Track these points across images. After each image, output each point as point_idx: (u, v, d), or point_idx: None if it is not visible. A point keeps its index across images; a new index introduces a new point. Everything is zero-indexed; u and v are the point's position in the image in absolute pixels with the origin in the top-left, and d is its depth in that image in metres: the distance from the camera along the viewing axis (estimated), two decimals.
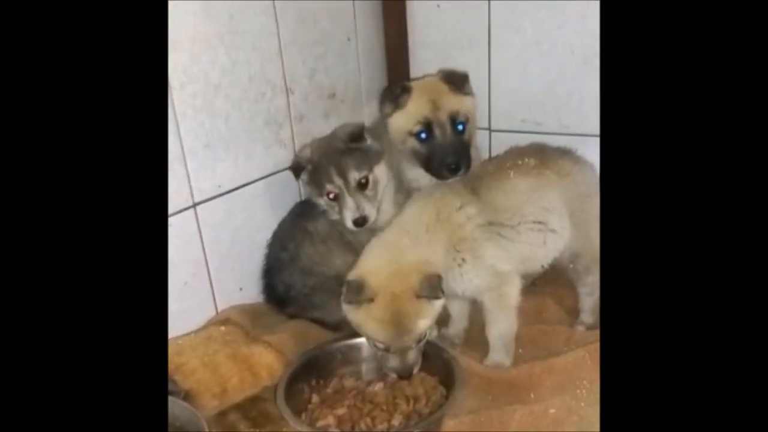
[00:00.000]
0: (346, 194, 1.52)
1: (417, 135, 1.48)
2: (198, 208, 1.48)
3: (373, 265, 1.29)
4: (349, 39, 1.85)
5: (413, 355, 1.26)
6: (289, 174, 1.64)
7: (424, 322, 1.23)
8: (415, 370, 1.27)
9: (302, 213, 1.67)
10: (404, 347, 1.24)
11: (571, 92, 1.87)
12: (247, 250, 1.63)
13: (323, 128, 1.73)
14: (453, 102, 1.49)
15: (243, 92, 1.53)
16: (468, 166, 1.45)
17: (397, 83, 1.60)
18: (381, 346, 1.25)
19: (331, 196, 1.54)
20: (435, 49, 1.99)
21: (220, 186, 1.52)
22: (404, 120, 1.50)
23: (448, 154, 1.44)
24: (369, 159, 1.55)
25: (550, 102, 1.92)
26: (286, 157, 1.69)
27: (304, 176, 1.58)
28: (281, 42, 1.61)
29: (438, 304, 1.25)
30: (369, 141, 1.57)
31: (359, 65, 1.91)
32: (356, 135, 1.56)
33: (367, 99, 1.96)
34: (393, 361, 1.25)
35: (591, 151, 1.83)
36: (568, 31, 1.81)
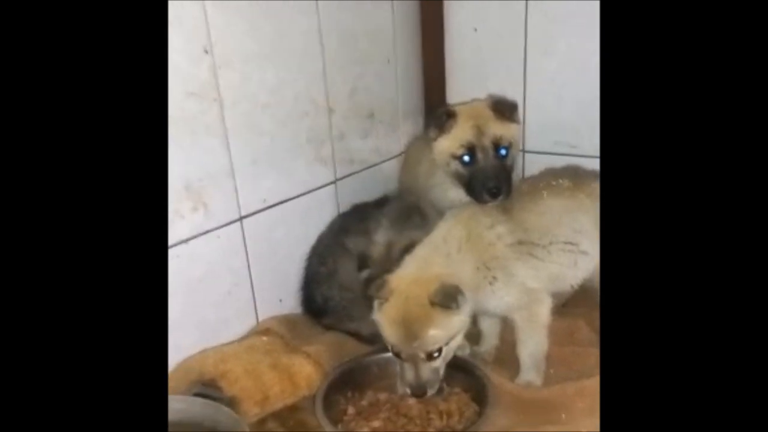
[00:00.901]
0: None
1: (460, 158, 1.54)
2: (244, 221, 1.53)
3: (401, 272, 1.33)
4: (388, 60, 1.90)
5: (426, 371, 1.24)
6: (328, 190, 1.70)
7: (434, 332, 1.22)
8: (430, 392, 1.25)
9: (341, 229, 1.72)
10: (414, 356, 1.23)
11: None
12: (286, 262, 1.68)
13: (361, 147, 1.79)
14: (497, 128, 1.54)
15: (288, 111, 1.59)
16: (509, 192, 1.49)
17: (442, 108, 1.63)
18: (393, 348, 1.26)
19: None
20: (471, 71, 2.04)
21: (264, 200, 1.58)
22: (449, 143, 1.56)
23: (489, 179, 1.48)
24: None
25: (583, 125, 1.94)
26: (326, 174, 1.74)
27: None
28: (325, 62, 1.67)
29: (456, 320, 1.24)
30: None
31: (397, 86, 1.96)
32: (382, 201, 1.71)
33: (404, 119, 2.01)
34: (408, 374, 1.25)
35: None
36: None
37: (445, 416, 1.31)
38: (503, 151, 1.54)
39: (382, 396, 1.39)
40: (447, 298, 1.22)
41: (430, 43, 2.02)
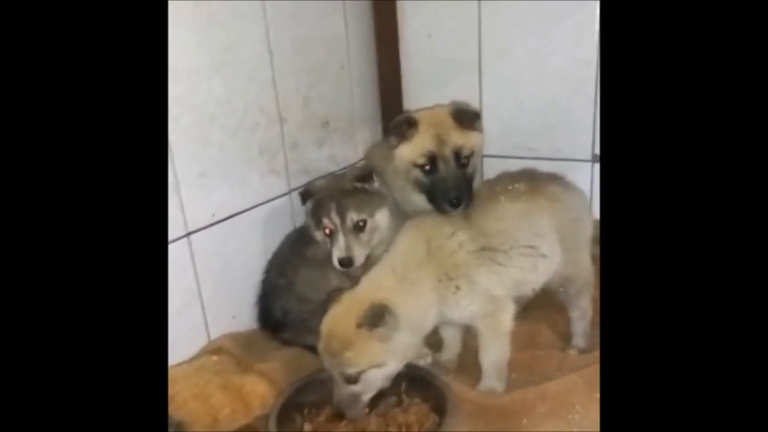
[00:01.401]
0: (340, 233, 1.55)
1: (422, 167, 1.52)
2: (192, 237, 1.49)
3: (355, 289, 1.32)
4: (342, 67, 1.88)
5: (344, 393, 1.24)
6: (283, 202, 1.66)
7: (350, 355, 1.20)
8: (348, 415, 1.25)
9: (299, 238, 1.69)
10: (336, 375, 1.23)
11: (563, 118, 1.91)
12: (240, 277, 1.64)
13: (316, 156, 1.76)
14: (458, 138, 1.52)
15: (238, 122, 1.56)
16: (469, 201, 1.48)
17: (403, 115, 1.62)
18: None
19: (327, 231, 1.57)
20: (427, 76, 2.03)
21: (213, 215, 1.54)
22: (409, 152, 1.54)
23: (450, 189, 1.47)
24: (371, 203, 1.58)
25: (542, 128, 1.95)
26: (279, 185, 1.71)
27: (308, 205, 1.61)
28: (275, 71, 1.64)
29: (377, 348, 1.21)
30: (376, 184, 1.61)
31: (352, 93, 1.94)
32: (364, 176, 1.61)
33: (360, 126, 1.99)
34: (335, 390, 1.25)
35: (583, 176, 1.86)
36: (558, 58, 1.85)
37: (403, 429, 1.28)
38: (464, 160, 1.52)
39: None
40: (373, 318, 1.20)
41: (384, 49, 2.01)
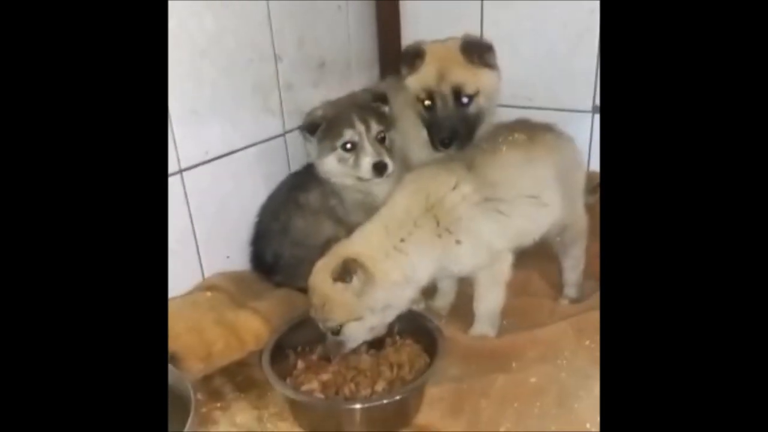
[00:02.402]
0: (366, 141, 1.51)
1: (422, 102, 1.48)
2: (184, 174, 1.46)
3: (346, 242, 1.31)
4: (339, 7, 1.82)
5: (330, 341, 1.26)
6: (278, 143, 1.63)
7: (328, 308, 1.22)
8: (333, 359, 1.28)
9: (295, 185, 1.66)
10: (326, 325, 1.25)
11: (563, 68, 1.87)
12: (234, 217, 1.62)
13: (312, 97, 1.72)
14: (460, 75, 1.47)
15: (230, 59, 1.51)
16: (464, 143, 1.44)
17: (413, 45, 1.56)
18: None
19: (348, 146, 1.52)
20: (427, 20, 1.97)
21: (207, 152, 1.51)
22: (414, 84, 1.51)
23: (443, 129, 1.44)
24: (386, 120, 1.56)
25: (541, 77, 1.91)
26: (274, 126, 1.68)
27: (318, 133, 1.54)
28: (270, 8, 1.59)
29: (352, 302, 1.21)
30: (387, 108, 1.59)
31: (349, 35, 1.88)
32: (381, 96, 1.58)
33: (357, 69, 1.94)
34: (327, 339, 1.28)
35: (584, 127, 1.84)
36: (560, 7, 1.80)
37: (395, 367, 1.30)
38: (465, 99, 1.47)
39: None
40: (342, 273, 1.20)
41: None
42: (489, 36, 1.90)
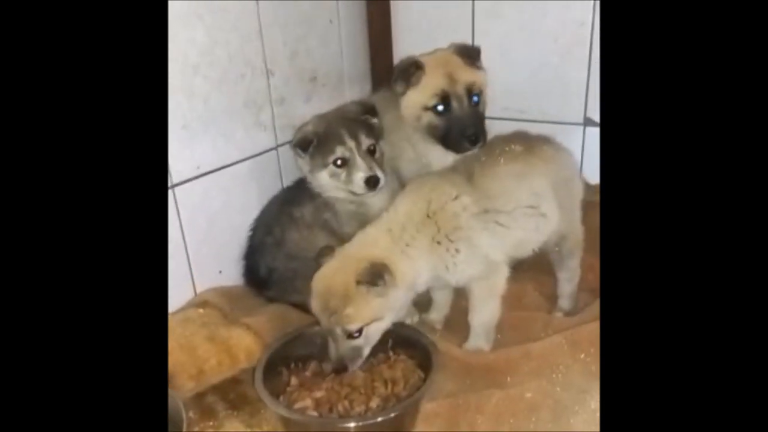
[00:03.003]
0: (357, 156, 1.52)
1: (434, 108, 1.49)
2: (176, 189, 1.45)
3: (348, 245, 1.30)
4: (331, 21, 1.83)
5: (344, 348, 1.23)
6: (270, 157, 1.62)
7: (351, 311, 1.19)
8: (351, 367, 1.24)
9: (288, 199, 1.66)
10: (332, 331, 1.22)
11: (554, 81, 1.88)
12: (226, 232, 1.61)
13: (304, 111, 1.72)
14: (468, 74, 1.50)
15: (222, 73, 1.51)
16: (485, 138, 1.47)
17: (408, 59, 1.57)
18: (317, 319, 1.25)
19: (339, 162, 1.53)
20: (418, 33, 1.98)
21: (198, 167, 1.50)
22: (419, 95, 1.51)
23: (467, 126, 1.46)
24: (375, 132, 1.57)
25: (532, 90, 1.92)
26: (266, 140, 1.67)
27: (310, 149, 1.54)
28: (261, 22, 1.59)
29: (377, 303, 1.21)
30: (376, 120, 1.60)
31: (341, 48, 1.89)
32: (370, 108, 1.59)
33: (350, 83, 1.94)
34: (330, 348, 1.24)
35: (575, 140, 1.85)
36: (551, 20, 1.82)
37: (389, 384, 1.28)
38: (476, 98, 1.50)
39: (327, 366, 1.35)
40: (373, 276, 1.19)
41: (375, 5, 1.95)
42: (481, 48, 1.92)
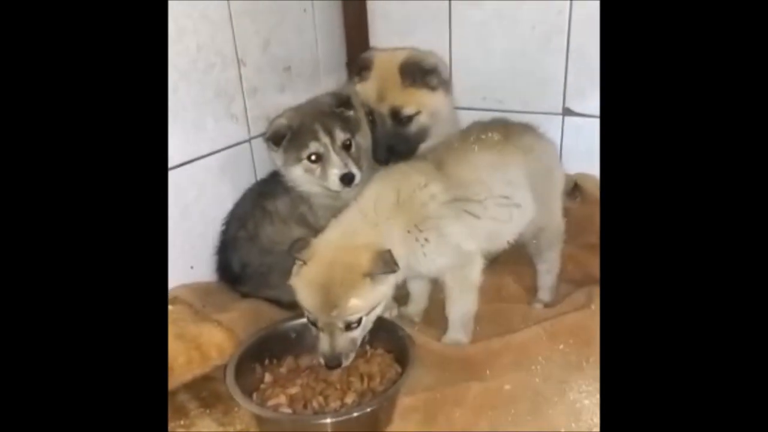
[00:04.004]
0: (332, 152, 1.49)
1: (366, 113, 1.50)
2: None
3: (326, 236, 1.26)
4: (305, 10, 1.79)
5: (342, 342, 1.18)
6: (243, 149, 1.58)
7: (356, 302, 1.15)
8: (345, 363, 1.19)
9: (262, 192, 1.62)
10: (331, 325, 1.17)
11: (533, 70, 1.86)
12: (197, 227, 1.57)
13: (278, 102, 1.67)
14: (398, 97, 1.47)
15: (191, 62, 1.46)
16: (402, 158, 1.44)
17: (363, 55, 1.56)
18: (309, 316, 1.20)
19: (313, 157, 1.50)
20: (395, 22, 1.95)
21: (168, 160, 1.45)
22: (361, 95, 1.52)
23: (380, 146, 1.46)
24: (351, 125, 1.54)
25: (511, 80, 1.90)
26: (238, 132, 1.63)
27: (284, 143, 1.51)
28: (231, 10, 1.55)
29: (379, 290, 1.18)
30: (352, 113, 1.57)
31: (316, 37, 1.85)
32: (344, 100, 1.56)
33: (325, 73, 1.91)
34: (323, 344, 1.18)
35: (553, 130, 1.83)
36: (528, 7, 1.80)
37: (366, 379, 1.26)
38: (405, 120, 1.48)
39: (303, 362, 1.33)
40: (385, 264, 1.15)
41: None
42: (458, 36, 1.90)
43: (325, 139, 1.49)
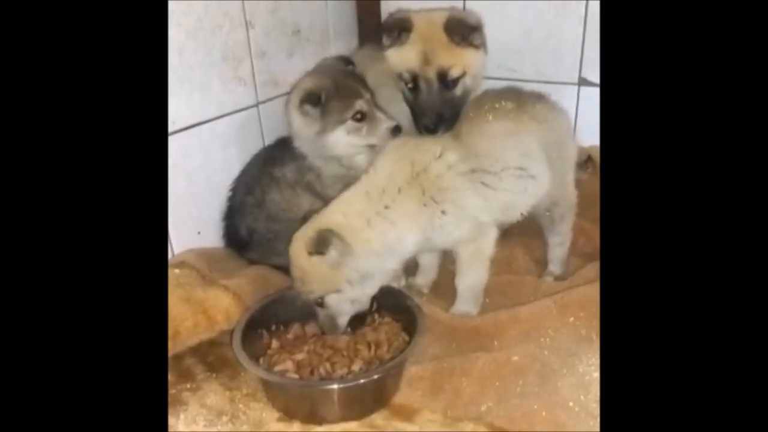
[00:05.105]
0: (374, 108, 1.47)
1: (405, 83, 1.41)
2: None
3: (325, 211, 1.25)
4: None
5: (321, 316, 1.24)
6: (250, 114, 1.54)
7: (305, 281, 1.19)
8: (329, 335, 1.25)
9: (269, 158, 1.59)
10: (308, 297, 1.22)
11: (548, 39, 1.81)
12: (204, 192, 1.55)
13: (287, 67, 1.64)
14: (447, 57, 1.38)
15: (197, 21, 1.42)
16: (450, 126, 1.36)
17: (399, 15, 1.45)
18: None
19: (359, 116, 1.46)
20: None
21: (173, 123, 1.43)
22: (397, 60, 1.41)
23: (428, 114, 1.36)
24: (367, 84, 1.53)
25: (526, 48, 1.85)
26: (246, 96, 1.60)
27: (319, 107, 1.44)
28: None
29: (328, 274, 1.17)
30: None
31: (326, 1, 1.80)
32: (348, 61, 1.54)
33: (335, 37, 1.86)
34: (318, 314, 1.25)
35: (568, 100, 1.79)
36: None
37: (373, 346, 1.26)
38: (451, 83, 1.39)
39: (310, 328, 1.32)
40: (318, 244, 1.15)
41: None
42: (471, 4, 1.84)
43: (367, 96, 1.46)
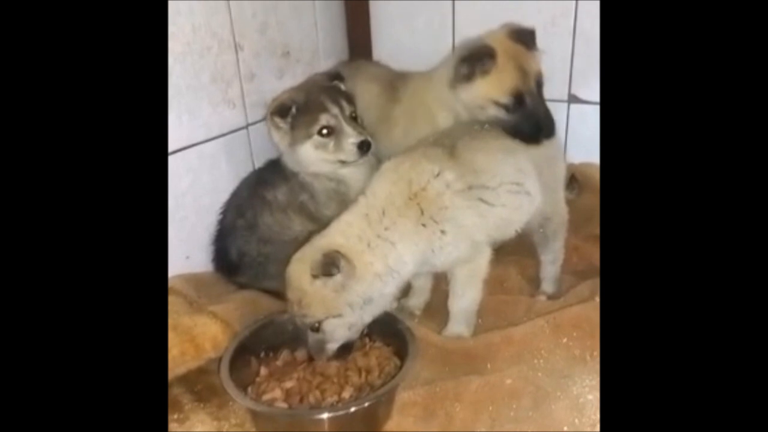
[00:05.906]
0: (344, 123, 1.46)
1: (505, 105, 1.39)
2: None
3: (323, 232, 1.23)
4: None
5: (311, 340, 1.20)
6: (240, 136, 1.54)
7: (304, 305, 1.15)
8: (317, 360, 1.22)
9: (261, 181, 1.58)
10: (303, 322, 1.18)
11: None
12: (193, 215, 1.54)
13: (277, 88, 1.63)
14: (534, 64, 1.40)
15: (186, 44, 1.42)
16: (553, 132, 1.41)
17: (480, 44, 1.42)
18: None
19: (325, 131, 1.46)
20: (397, 6, 1.90)
21: None
22: (489, 88, 1.39)
23: (541, 120, 1.38)
24: (352, 98, 1.52)
25: None
26: (235, 118, 1.59)
27: (288, 119, 1.46)
28: None
29: (331, 298, 1.14)
30: (344, 87, 1.55)
31: (316, 21, 1.80)
32: (336, 75, 1.55)
33: (326, 58, 1.86)
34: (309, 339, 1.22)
35: (558, 118, 1.78)
36: None
37: (363, 372, 1.23)
38: (540, 87, 1.42)
39: (300, 355, 1.30)
40: (326, 266, 1.12)
41: None
42: (462, 16, 1.85)
43: (335, 110, 1.46)
